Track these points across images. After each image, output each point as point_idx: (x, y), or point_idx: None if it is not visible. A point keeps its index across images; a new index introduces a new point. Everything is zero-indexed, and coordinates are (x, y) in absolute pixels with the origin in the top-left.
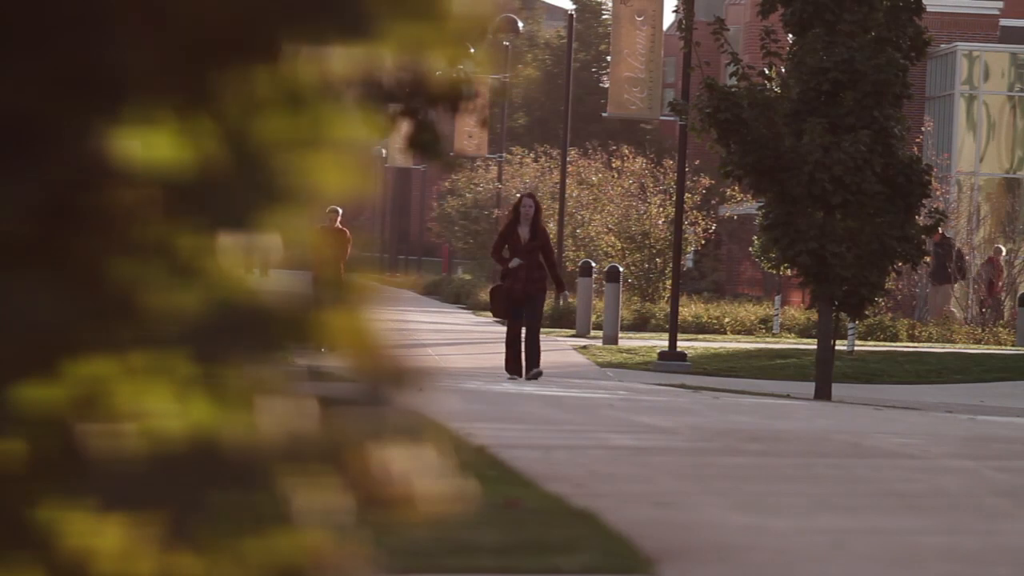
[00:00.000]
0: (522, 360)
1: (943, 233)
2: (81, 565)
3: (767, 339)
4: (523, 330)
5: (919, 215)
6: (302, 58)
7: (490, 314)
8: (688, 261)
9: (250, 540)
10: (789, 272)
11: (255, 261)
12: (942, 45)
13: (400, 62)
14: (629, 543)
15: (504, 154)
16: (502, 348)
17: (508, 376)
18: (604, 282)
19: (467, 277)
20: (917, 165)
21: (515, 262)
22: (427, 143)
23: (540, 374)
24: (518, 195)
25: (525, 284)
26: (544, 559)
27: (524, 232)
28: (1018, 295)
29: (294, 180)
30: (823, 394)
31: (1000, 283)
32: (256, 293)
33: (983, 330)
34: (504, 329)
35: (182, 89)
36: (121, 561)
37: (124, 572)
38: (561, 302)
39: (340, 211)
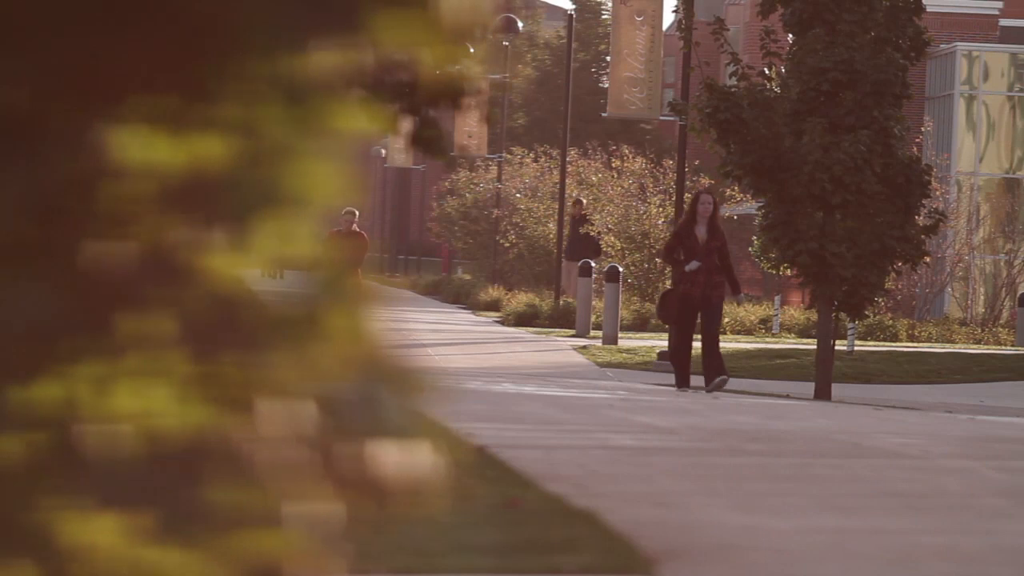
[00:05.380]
0: (689, 370)
1: (583, 212)
2: (78, 563)
3: (767, 339)
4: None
5: (919, 215)
6: (303, 56)
7: (485, 315)
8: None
9: (240, 538)
10: (789, 272)
11: (265, 262)
12: (942, 45)
13: (401, 60)
14: (629, 543)
15: (504, 154)
16: (502, 348)
17: (678, 390)
18: (604, 282)
19: (467, 277)
20: (917, 165)
21: (693, 264)
22: (430, 139)
23: (726, 380)
24: (698, 191)
25: (704, 288)
26: (544, 559)
27: (702, 232)
28: (1018, 296)
29: (296, 179)
30: (823, 394)
31: None
32: (255, 293)
33: (983, 330)
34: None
35: (181, 87)
36: (116, 558)
37: (119, 569)
38: (737, 304)
39: (356, 213)
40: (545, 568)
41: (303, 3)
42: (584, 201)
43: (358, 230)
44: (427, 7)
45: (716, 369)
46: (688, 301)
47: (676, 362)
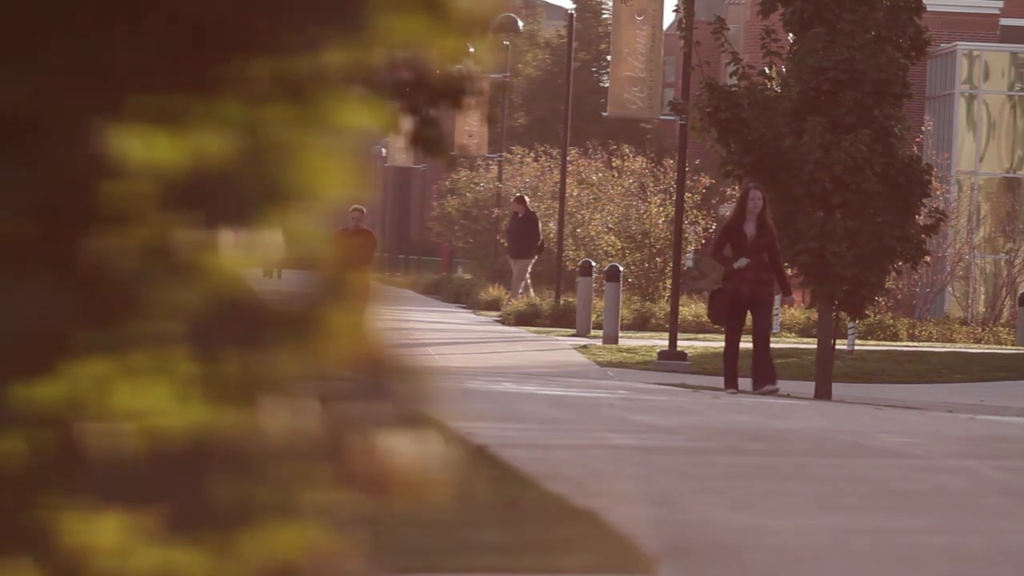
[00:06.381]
0: (737, 371)
1: (526, 207)
2: (79, 562)
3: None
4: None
5: (919, 215)
6: (305, 53)
7: (485, 314)
8: (688, 260)
9: (246, 535)
10: (789, 271)
11: (263, 261)
12: (942, 45)
13: (402, 58)
14: (629, 543)
15: (504, 153)
16: (502, 347)
17: (729, 392)
18: (604, 281)
19: (467, 277)
20: (917, 165)
21: (742, 261)
22: (431, 139)
23: (776, 390)
24: (747, 187)
25: (752, 286)
26: (544, 559)
27: (750, 228)
28: (1018, 295)
29: (299, 177)
30: (823, 393)
31: None
32: (256, 291)
33: (983, 330)
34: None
35: (182, 85)
36: (119, 557)
37: (122, 568)
38: (788, 306)
39: (364, 210)
40: (545, 568)
41: (307, 1)
42: (527, 198)
43: (366, 228)
44: (432, 4)
45: (767, 376)
46: (737, 299)
47: (724, 362)
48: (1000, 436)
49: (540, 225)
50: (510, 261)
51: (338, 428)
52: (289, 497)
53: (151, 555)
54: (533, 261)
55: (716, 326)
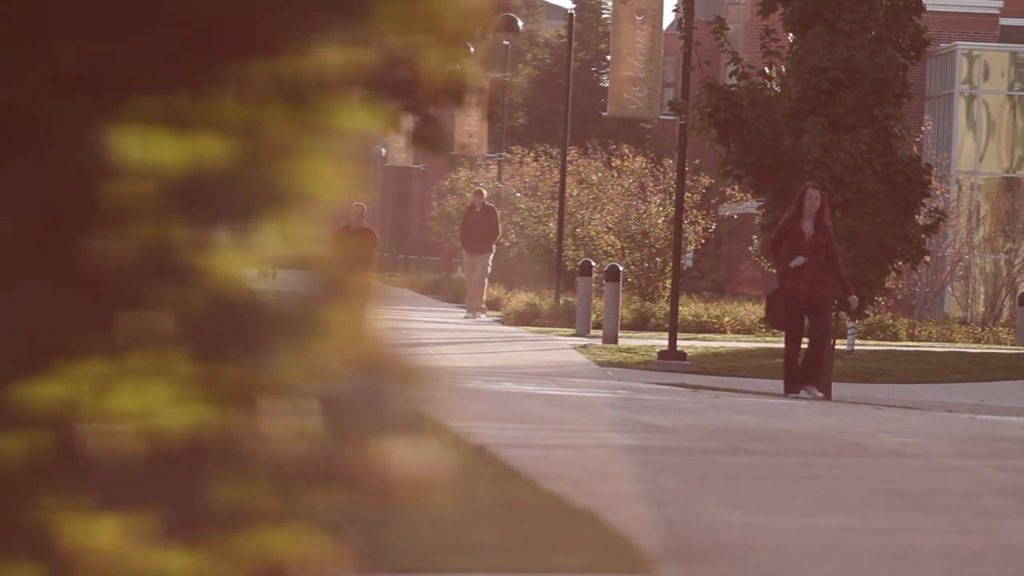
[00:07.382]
0: (796, 374)
1: (484, 200)
2: (78, 562)
3: (767, 338)
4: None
5: (919, 214)
6: (304, 55)
7: (485, 314)
8: (688, 260)
9: (243, 537)
10: None
11: (259, 261)
12: (942, 44)
13: (402, 57)
14: (629, 543)
15: (504, 153)
16: (502, 347)
17: (790, 397)
18: (604, 281)
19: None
20: (917, 164)
21: (798, 260)
22: (431, 138)
23: (820, 398)
24: (805, 186)
25: (811, 285)
26: (544, 558)
27: (808, 228)
28: (1018, 295)
29: (298, 178)
30: (823, 393)
31: None
32: (255, 291)
33: (983, 330)
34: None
35: (182, 86)
36: (117, 558)
37: (120, 569)
38: (851, 308)
39: (365, 207)
40: (545, 568)
41: (307, 1)
42: (486, 192)
43: (367, 226)
44: (431, 3)
45: (813, 377)
46: (794, 299)
47: (785, 366)
48: (1000, 435)
49: (498, 218)
50: (467, 257)
51: (338, 429)
52: (286, 499)
53: (149, 557)
54: (491, 256)
55: (775, 330)
